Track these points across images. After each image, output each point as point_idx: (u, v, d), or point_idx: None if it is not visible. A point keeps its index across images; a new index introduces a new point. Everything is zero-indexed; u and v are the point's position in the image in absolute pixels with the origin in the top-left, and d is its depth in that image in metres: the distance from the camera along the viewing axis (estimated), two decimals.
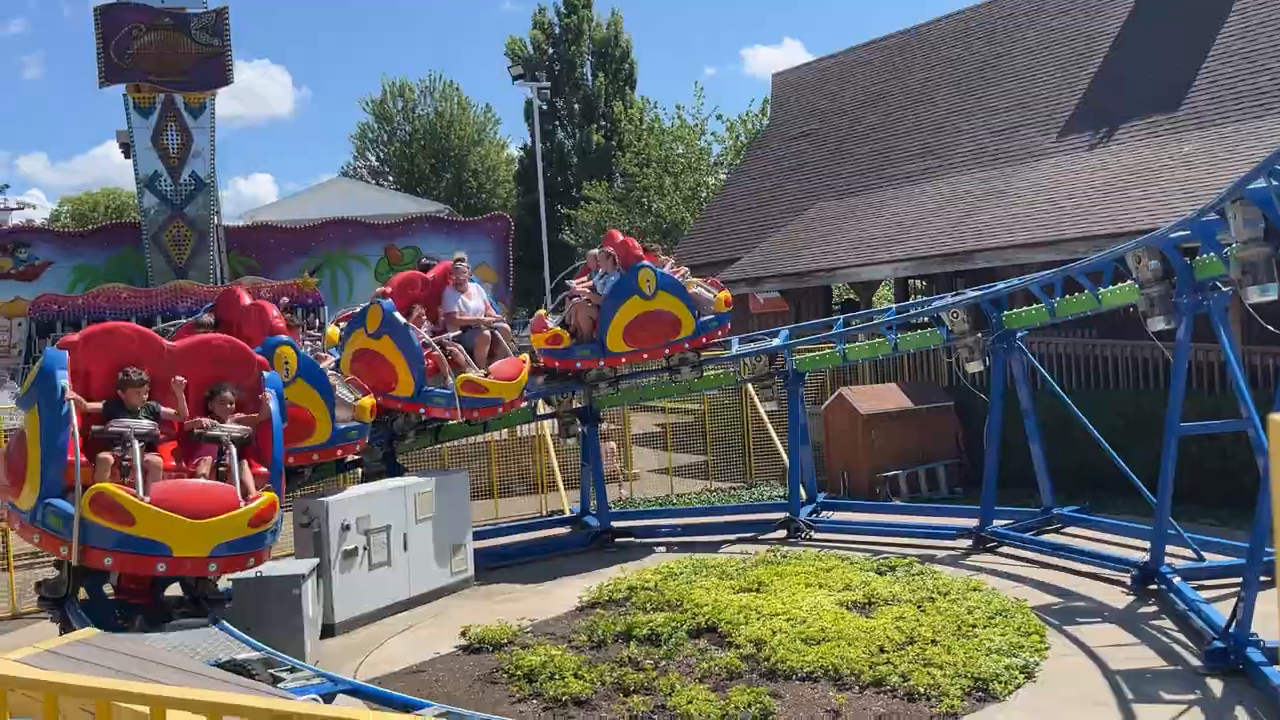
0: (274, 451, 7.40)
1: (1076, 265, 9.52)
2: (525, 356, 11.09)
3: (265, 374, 7.78)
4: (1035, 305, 10.31)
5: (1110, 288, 8.92)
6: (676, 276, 11.36)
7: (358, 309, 10.57)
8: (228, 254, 22.97)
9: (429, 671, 7.62)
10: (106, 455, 6.85)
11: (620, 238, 11.87)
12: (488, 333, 10.58)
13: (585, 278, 11.64)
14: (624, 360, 11.46)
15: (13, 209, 58.39)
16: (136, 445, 6.93)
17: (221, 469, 7.16)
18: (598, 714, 6.54)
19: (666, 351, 11.43)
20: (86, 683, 2.30)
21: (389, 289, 10.79)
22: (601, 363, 11.29)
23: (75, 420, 6.80)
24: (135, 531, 6.57)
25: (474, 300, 10.82)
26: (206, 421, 7.38)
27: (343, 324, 10.76)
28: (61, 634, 6.46)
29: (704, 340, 11.67)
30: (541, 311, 11.93)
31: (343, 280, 23.78)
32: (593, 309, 11.11)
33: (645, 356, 11.47)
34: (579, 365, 11.35)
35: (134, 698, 2.21)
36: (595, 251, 11.50)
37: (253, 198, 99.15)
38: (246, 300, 9.40)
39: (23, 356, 20.82)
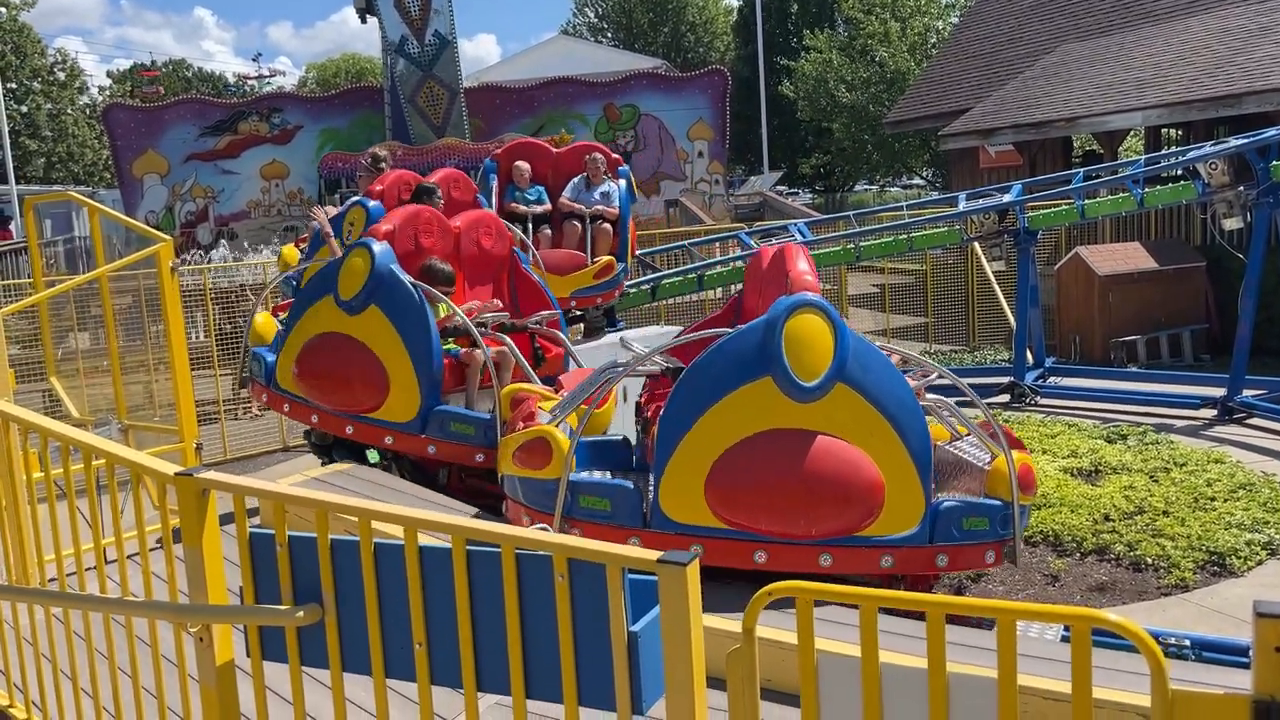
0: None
1: None
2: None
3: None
4: None
5: None
6: None
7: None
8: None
9: None
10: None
11: (533, 141, 10.66)
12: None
13: (502, 193, 9.96)
14: (630, 276, 10.54)
15: (266, 76, 62.70)
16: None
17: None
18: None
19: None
20: (351, 503, 2.60)
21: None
22: (626, 283, 10.48)
23: None
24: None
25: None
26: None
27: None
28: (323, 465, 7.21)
29: None
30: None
31: None
32: (611, 227, 9.88)
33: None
34: (618, 294, 10.32)
35: (390, 518, 2.48)
36: (523, 165, 9.83)
37: (476, 59, 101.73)
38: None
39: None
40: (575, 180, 9.97)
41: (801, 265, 5.03)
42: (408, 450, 6.39)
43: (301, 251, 8.84)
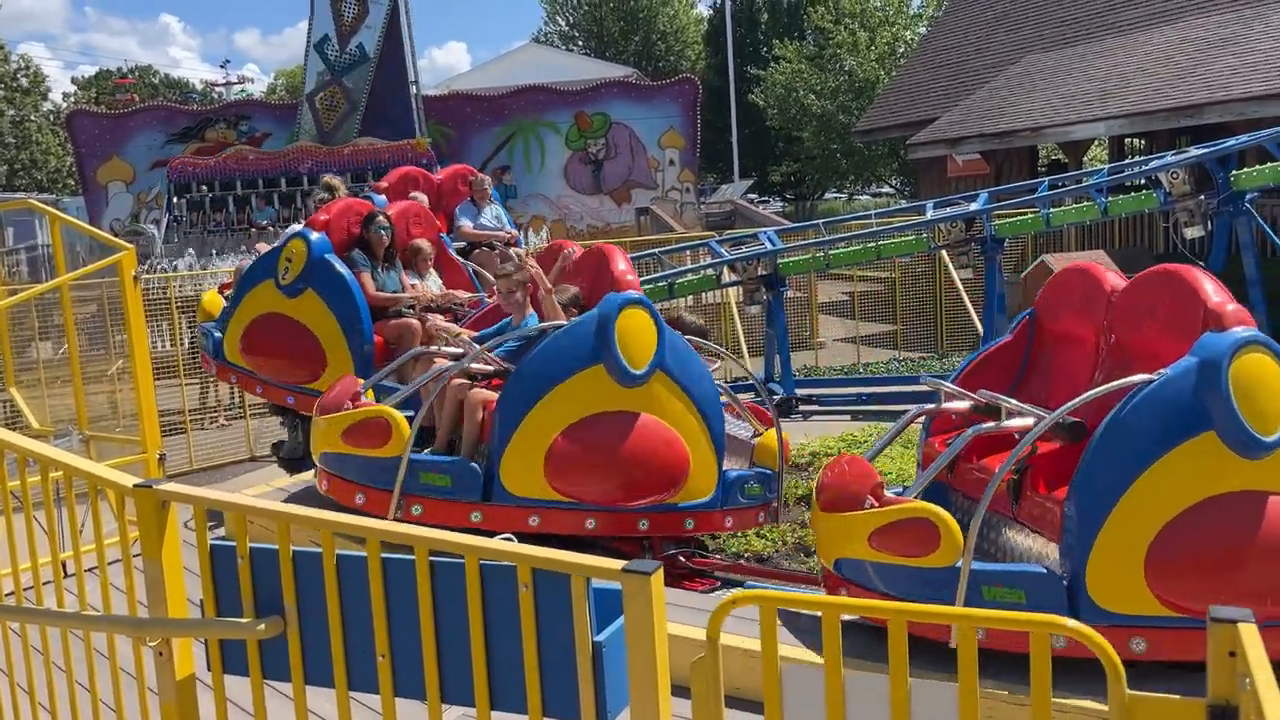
0: None
1: None
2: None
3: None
4: (1270, 164, 9.40)
5: None
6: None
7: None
8: (427, 123, 23.68)
9: None
10: None
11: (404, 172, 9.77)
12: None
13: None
14: None
15: (234, 83, 62.15)
16: None
17: None
18: (779, 571, 6.73)
19: None
20: (313, 514, 2.57)
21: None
22: None
23: None
24: None
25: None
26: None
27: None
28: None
29: None
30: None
31: (535, 148, 24.18)
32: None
33: None
34: None
35: (352, 529, 2.46)
36: (422, 197, 9.10)
37: (446, 66, 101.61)
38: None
39: (166, 218, 21.87)
40: (463, 205, 9.49)
41: (1218, 295, 3.91)
42: (706, 530, 5.54)
43: (225, 298, 7.72)
